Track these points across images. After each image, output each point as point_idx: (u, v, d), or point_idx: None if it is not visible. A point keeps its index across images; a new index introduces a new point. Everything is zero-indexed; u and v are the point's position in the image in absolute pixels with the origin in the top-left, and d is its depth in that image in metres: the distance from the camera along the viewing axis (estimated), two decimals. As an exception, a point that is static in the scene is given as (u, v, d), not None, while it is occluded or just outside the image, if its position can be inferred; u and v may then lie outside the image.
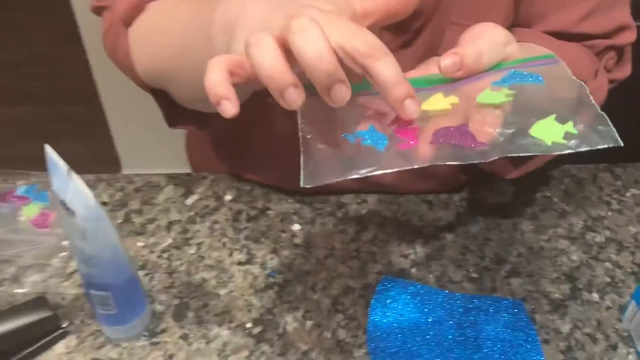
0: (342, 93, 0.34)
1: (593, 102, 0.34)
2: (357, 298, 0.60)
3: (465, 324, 0.56)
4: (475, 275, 0.62)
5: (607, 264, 0.63)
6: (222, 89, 0.35)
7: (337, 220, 0.68)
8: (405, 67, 0.58)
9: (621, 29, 0.58)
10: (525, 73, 0.37)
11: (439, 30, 0.55)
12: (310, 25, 0.33)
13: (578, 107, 0.34)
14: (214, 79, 0.35)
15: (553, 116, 0.33)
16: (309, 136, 0.35)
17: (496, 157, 0.33)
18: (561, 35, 0.57)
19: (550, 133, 0.33)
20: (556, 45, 0.57)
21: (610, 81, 0.61)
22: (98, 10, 0.61)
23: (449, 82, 0.39)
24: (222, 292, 0.61)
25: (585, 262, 0.63)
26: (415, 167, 0.33)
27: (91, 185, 0.72)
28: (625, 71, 0.62)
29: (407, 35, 0.56)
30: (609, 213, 0.69)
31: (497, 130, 0.34)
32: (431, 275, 0.62)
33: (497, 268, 0.63)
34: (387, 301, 0.58)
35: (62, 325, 0.55)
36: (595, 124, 0.32)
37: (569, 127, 0.33)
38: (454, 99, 0.37)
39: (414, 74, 0.41)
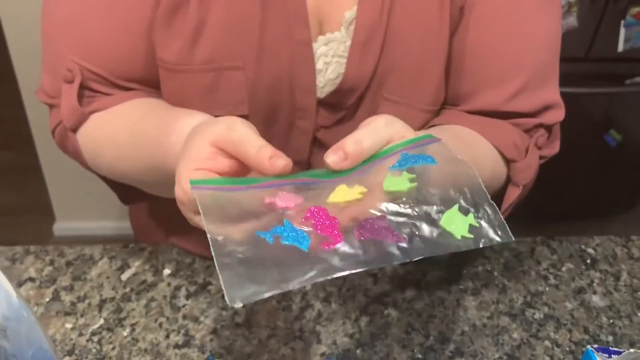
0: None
1: (482, 186, 0.36)
2: (300, 384, 0.58)
3: (409, 411, 0.55)
4: (420, 355, 0.61)
5: (547, 343, 0.64)
6: None
7: (281, 296, 0.66)
8: None
9: (549, 107, 0.60)
10: (416, 155, 0.38)
11: (373, 106, 0.56)
12: None
13: (472, 193, 0.36)
14: None
15: (456, 206, 0.35)
16: (219, 238, 0.32)
17: (419, 257, 0.33)
18: (490, 114, 0.59)
19: (458, 225, 0.35)
20: (486, 124, 0.58)
21: (540, 157, 0.63)
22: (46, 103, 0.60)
23: (347, 174, 0.38)
24: (157, 379, 0.57)
25: (525, 341, 0.64)
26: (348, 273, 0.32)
27: (18, 259, 0.67)
28: (554, 148, 0.64)
29: (342, 111, 0.57)
30: (547, 288, 0.70)
31: (411, 222, 0.35)
32: (376, 357, 0.61)
33: (442, 348, 0.62)
34: (331, 388, 0.56)
35: None
36: (491, 218, 0.36)
37: (471, 219, 0.35)
38: (360, 188, 0.37)
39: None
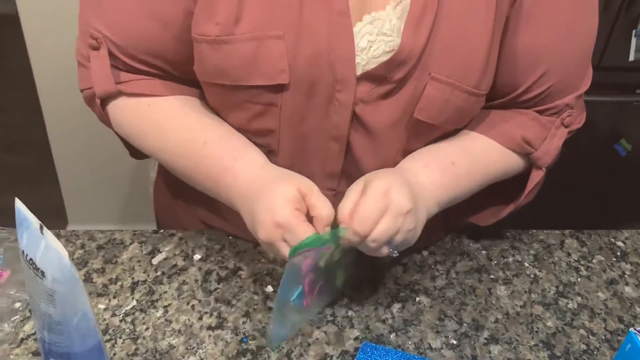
0: None
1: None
2: (336, 366, 0.57)
3: (448, 394, 0.54)
4: (454, 341, 0.61)
5: (582, 331, 0.63)
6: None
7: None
8: (386, 118, 0.59)
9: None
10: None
11: (419, 84, 0.56)
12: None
13: None
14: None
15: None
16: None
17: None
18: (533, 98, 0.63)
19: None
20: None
21: (568, 132, 0.66)
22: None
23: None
24: (191, 359, 0.56)
25: (560, 329, 0.63)
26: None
27: (48, 241, 0.67)
28: (580, 122, 0.68)
29: (388, 85, 0.56)
30: (579, 279, 0.70)
31: None
32: (410, 342, 0.60)
33: (476, 334, 0.62)
34: (368, 370, 0.56)
35: (11, 399, 0.49)
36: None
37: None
38: None
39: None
